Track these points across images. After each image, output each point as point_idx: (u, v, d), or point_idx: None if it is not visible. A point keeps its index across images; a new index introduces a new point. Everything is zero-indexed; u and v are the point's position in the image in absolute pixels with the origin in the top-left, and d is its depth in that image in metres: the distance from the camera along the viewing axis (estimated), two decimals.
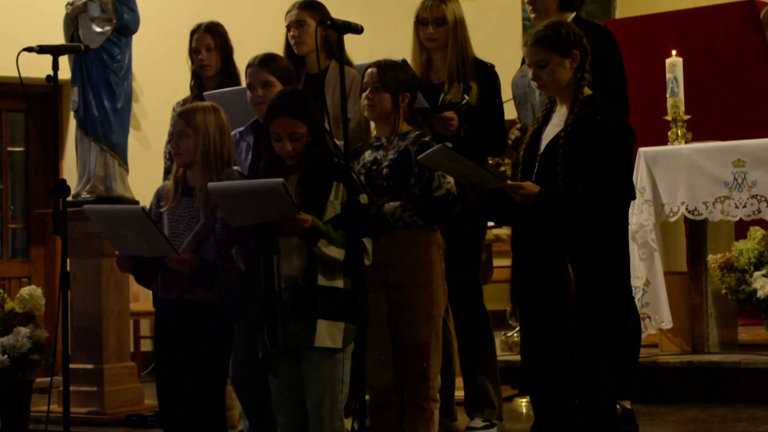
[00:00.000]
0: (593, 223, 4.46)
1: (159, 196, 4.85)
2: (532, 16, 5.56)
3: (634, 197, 5.58)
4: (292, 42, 5.78)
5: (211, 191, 4.48)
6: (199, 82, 6.14)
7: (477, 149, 5.47)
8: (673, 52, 7.38)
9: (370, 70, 5.03)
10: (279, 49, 5.56)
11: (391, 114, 5.01)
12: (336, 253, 4.46)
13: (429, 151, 4.61)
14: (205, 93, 5.74)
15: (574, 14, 5.53)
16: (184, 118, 4.73)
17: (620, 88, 5.43)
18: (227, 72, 6.06)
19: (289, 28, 5.79)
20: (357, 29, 4.71)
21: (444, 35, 5.58)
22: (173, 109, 6.16)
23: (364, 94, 5.02)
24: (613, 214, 4.56)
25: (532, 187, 4.46)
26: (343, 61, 4.62)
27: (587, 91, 4.57)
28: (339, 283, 4.51)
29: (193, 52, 6.12)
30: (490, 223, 6.32)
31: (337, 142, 4.73)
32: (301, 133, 4.54)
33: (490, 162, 7.24)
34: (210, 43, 6.07)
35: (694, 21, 9.86)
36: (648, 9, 10.99)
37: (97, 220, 4.80)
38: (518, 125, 5.53)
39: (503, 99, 5.75)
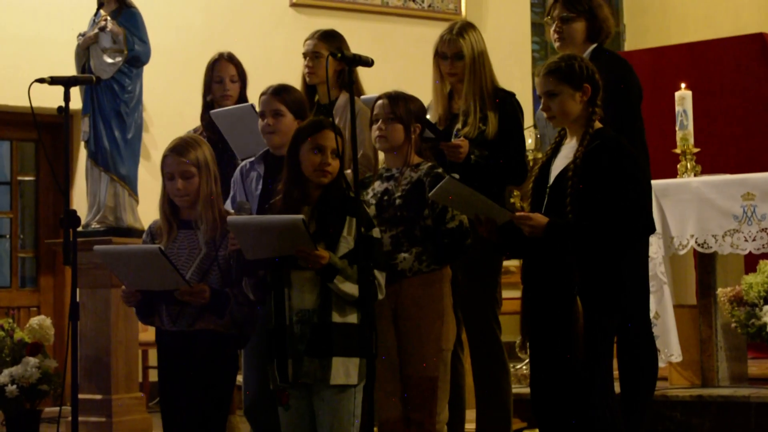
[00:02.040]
0: (602, 255, 4.46)
1: (152, 233, 4.84)
2: (557, 45, 5.55)
3: (652, 230, 5.58)
4: (305, 71, 5.79)
5: (230, 225, 4.48)
6: None
7: (495, 178, 5.46)
8: (683, 85, 7.39)
9: (381, 101, 5.04)
10: (289, 79, 5.57)
11: (403, 145, 5.02)
12: (351, 289, 4.45)
13: (439, 185, 4.62)
14: (212, 112, 5.74)
15: (594, 45, 5.54)
16: (185, 156, 4.70)
17: (629, 117, 5.42)
18: (242, 102, 6.06)
19: (305, 56, 5.81)
20: (367, 62, 4.72)
21: (461, 69, 5.58)
22: None
23: (375, 126, 5.02)
24: (625, 246, 4.54)
25: (541, 218, 4.46)
26: (354, 93, 4.63)
27: (598, 124, 4.58)
28: (353, 319, 4.51)
29: (217, 82, 6.10)
30: None
31: (347, 172, 4.74)
32: (339, 152, 4.58)
33: (515, 193, 7.22)
34: (234, 74, 6.09)
35: (703, 54, 9.88)
36: (658, 42, 11.03)
37: (108, 259, 4.77)
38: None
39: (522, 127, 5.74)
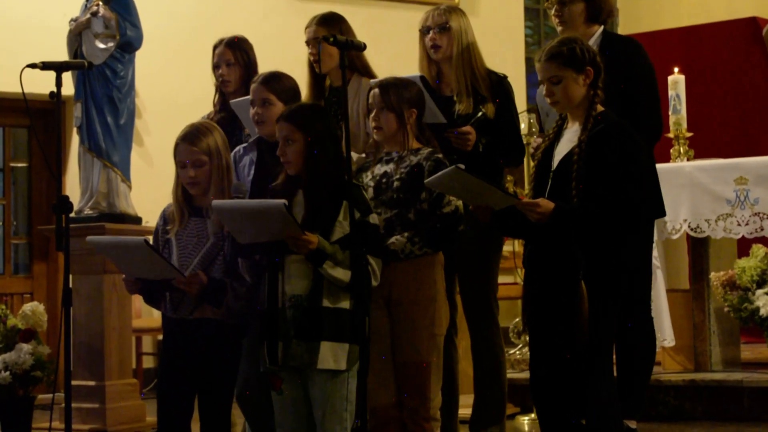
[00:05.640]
0: (608, 239, 4.44)
1: (165, 218, 4.84)
2: (559, 28, 5.51)
3: (661, 214, 5.56)
4: (311, 59, 5.75)
5: (216, 209, 4.48)
6: (223, 98, 6.08)
7: (495, 162, 5.45)
8: (676, 70, 7.39)
9: (373, 91, 5.03)
10: (282, 65, 5.55)
11: (398, 132, 4.99)
12: (342, 274, 4.44)
13: (439, 173, 4.58)
14: (231, 102, 5.71)
15: (602, 27, 5.52)
16: (195, 145, 4.69)
17: (651, 98, 5.42)
18: (249, 87, 6.03)
19: (308, 44, 5.77)
20: (359, 46, 4.70)
21: (447, 42, 5.52)
22: None
23: (371, 116, 5.01)
24: (632, 229, 4.52)
25: (547, 204, 4.42)
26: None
27: (600, 108, 4.55)
28: (344, 305, 4.50)
29: (214, 68, 6.08)
30: None
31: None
32: (294, 139, 4.56)
33: (508, 177, 7.21)
34: (230, 58, 6.03)
35: (696, 38, 9.90)
36: (650, 26, 11.02)
37: (102, 250, 4.80)
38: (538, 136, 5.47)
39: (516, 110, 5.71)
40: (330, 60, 5.55)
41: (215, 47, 6.10)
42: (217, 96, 6.12)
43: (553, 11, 5.52)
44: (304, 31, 5.79)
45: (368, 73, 5.61)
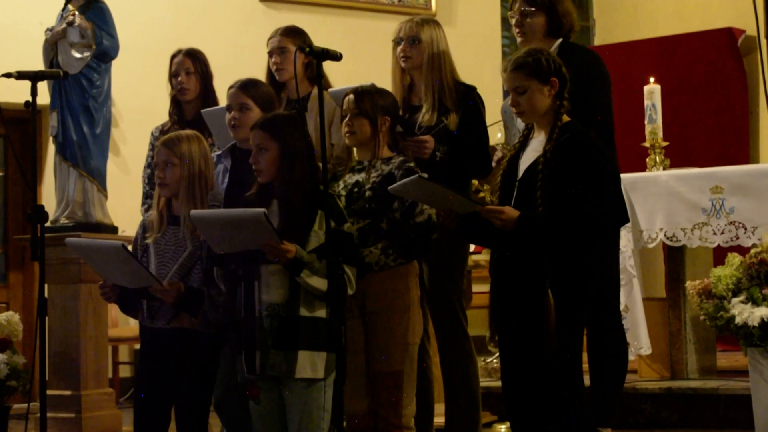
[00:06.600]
0: (574, 248, 4.46)
1: (144, 227, 4.85)
2: (519, 40, 5.55)
3: (625, 221, 5.60)
4: (273, 68, 5.77)
5: (194, 219, 4.48)
6: (179, 108, 6.12)
7: (459, 172, 5.46)
8: (651, 79, 7.42)
9: (348, 97, 5.04)
10: (259, 75, 5.56)
11: (371, 139, 5.01)
12: (319, 283, 4.44)
13: (403, 181, 4.61)
14: (203, 111, 5.72)
15: (560, 40, 5.54)
16: (169, 148, 4.73)
17: (605, 109, 5.44)
18: (206, 98, 6.05)
19: (270, 54, 5.79)
20: (336, 56, 4.70)
21: (419, 55, 5.55)
22: (152, 134, 6.16)
23: (344, 121, 5.03)
24: (598, 238, 4.54)
25: (512, 212, 4.45)
26: (323, 87, 4.62)
27: (566, 118, 4.58)
28: (321, 313, 4.50)
29: (173, 76, 6.11)
30: (471, 248, 6.30)
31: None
32: (267, 148, 4.56)
33: (476, 185, 7.22)
34: (189, 66, 6.07)
35: (672, 48, 9.94)
36: (627, 36, 11.06)
37: (80, 252, 4.80)
38: (499, 147, 5.48)
39: (486, 122, 5.72)
40: (292, 69, 5.58)
41: (173, 57, 6.13)
42: (172, 107, 6.14)
43: (514, 22, 5.55)
44: (267, 41, 5.81)
45: (328, 85, 5.65)
